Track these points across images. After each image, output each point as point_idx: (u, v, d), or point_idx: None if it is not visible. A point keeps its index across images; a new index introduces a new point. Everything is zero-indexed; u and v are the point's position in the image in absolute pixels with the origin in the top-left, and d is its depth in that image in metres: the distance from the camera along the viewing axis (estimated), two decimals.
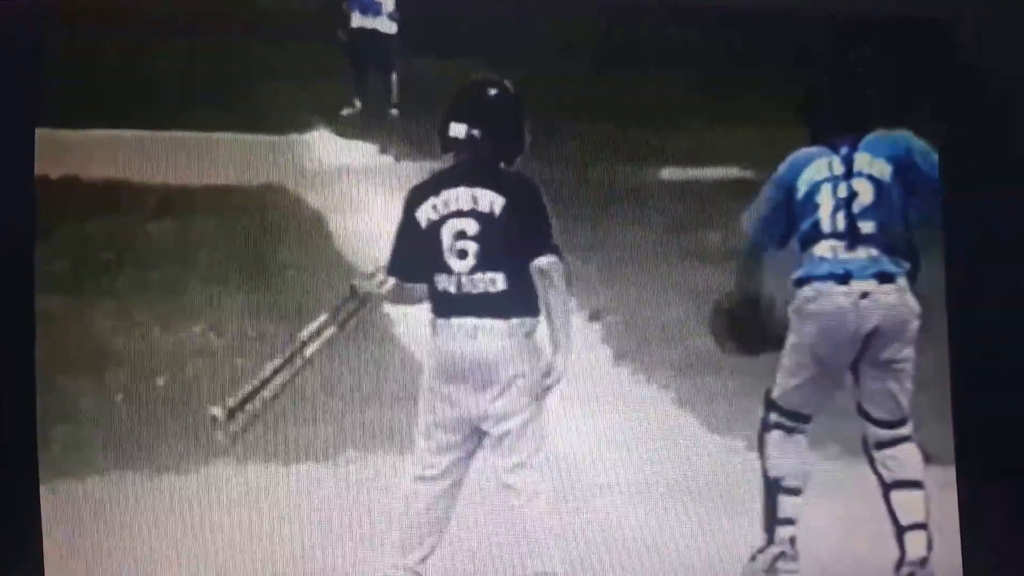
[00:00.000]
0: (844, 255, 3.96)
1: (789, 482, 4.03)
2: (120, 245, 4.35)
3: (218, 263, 4.32)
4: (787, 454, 4.03)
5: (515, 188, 3.82)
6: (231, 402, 4.03)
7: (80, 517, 3.99)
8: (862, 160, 4.00)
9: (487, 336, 3.76)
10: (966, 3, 4.29)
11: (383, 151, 4.70)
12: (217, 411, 4.01)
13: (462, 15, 4.49)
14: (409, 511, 3.85)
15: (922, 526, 3.96)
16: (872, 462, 4.02)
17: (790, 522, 4.04)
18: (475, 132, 3.85)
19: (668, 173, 4.61)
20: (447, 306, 3.82)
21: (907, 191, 4.02)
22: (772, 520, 4.03)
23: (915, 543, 3.95)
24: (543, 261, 3.74)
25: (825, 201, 3.98)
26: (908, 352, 3.99)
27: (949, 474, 4.13)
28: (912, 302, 3.98)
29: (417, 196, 3.87)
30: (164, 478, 4.09)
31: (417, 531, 3.84)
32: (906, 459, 4.00)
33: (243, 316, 4.28)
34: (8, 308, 3.99)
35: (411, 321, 4.09)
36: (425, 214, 3.84)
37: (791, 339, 4.00)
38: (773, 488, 4.03)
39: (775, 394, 4.04)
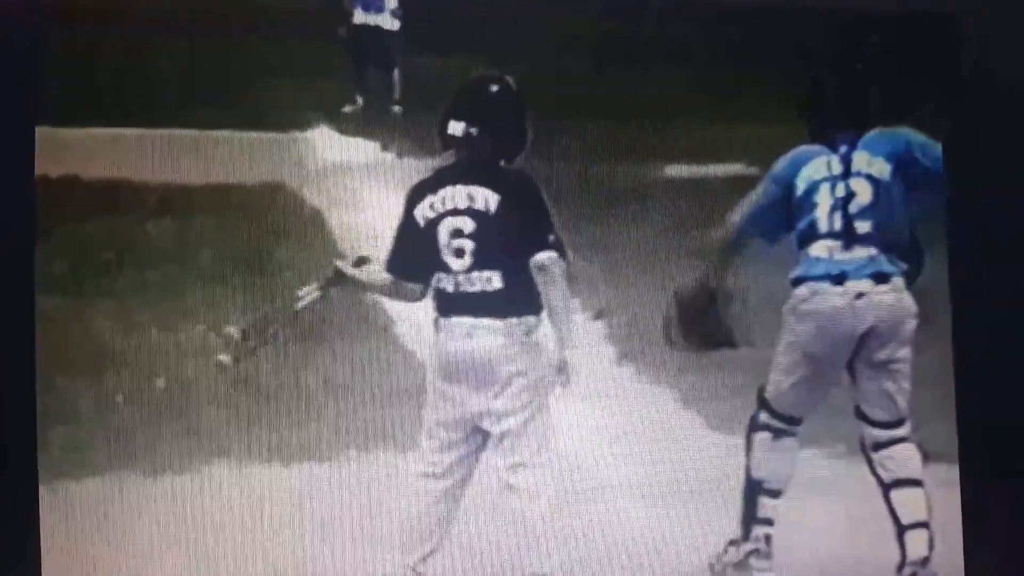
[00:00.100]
0: (840, 255, 3.95)
1: (771, 484, 4.04)
2: (120, 245, 4.36)
3: (219, 263, 4.33)
4: (774, 457, 4.03)
5: (512, 185, 3.82)
6: (244, 323, 4.02)
7: (79, 518, 4.00)
8: (861, 159, 3.99)
9: (485, 335, 3.77)
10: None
11: (385, 148, 4.71)
12: (234, 330, 4.00)
13: (464, 12, 4.50)
14: (412, 509, 3.86)
15: (923, 524, 3.96)
16: (870, 463, 4.02)
17: (768, 522, 4.05)
18: (473, 130, 3.85)
19: (670, 171, 4.62)
20: (446, 305, 3.83)
21: (909, 187, 4.02)
22: (750, 519, 4.04)
23: (916, 542, 3.95)
24: (541, 257, 3.74)
25: (823, 200, 3.97)
26: (905, 352, 3.98)
27: (952, 473, 4.14)
28: (909, 302, 3.98)
29: (416, 194, 3.88)
30: (163, 479, 4.11)
31: (419, 529, 3.86)
32: (904, 458, 3.99)
33: (243, 316, 4.29)
34: (8, 308, 4.00)
35: (413, 320, 4.11)
36: (423, 212, 3.84)
37: (785, 338, 4.00)
38: (755, 488, 4.04)
39: (768, 393, 4.04)
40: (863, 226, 3.96)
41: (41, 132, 4.13)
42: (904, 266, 3.98)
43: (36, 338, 4.00)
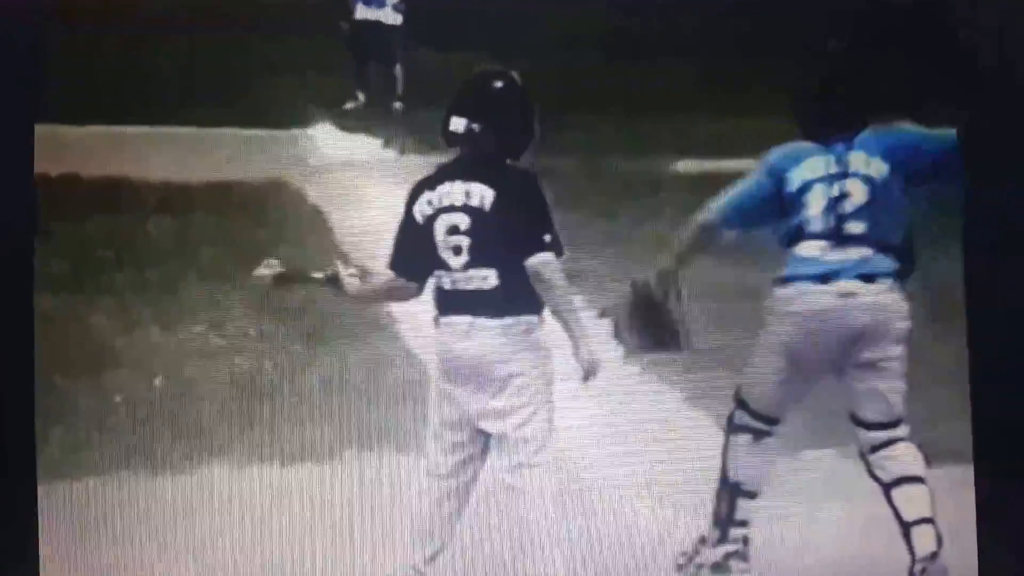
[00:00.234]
0: (830, 255, 3.92)
1: (749, 486, 4.02)
2: (120, 243, 4.40)
3: (219, 261, 4.36)
4: (753, 460, 4.02)
5: (509, 181, 3.80)
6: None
7: (78, 518, 4.03)
8: (858, 159, 3.96)
9: (481, 334, 3.76)
10: None
11: (387, 145, 4.73)
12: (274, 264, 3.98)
13: (467, 6, 4.52)
14: (416, 509, 3.86)
15: (928, 520, 3.92)
16: (869, 467, 3.98)
17: (744, 524, 4.03)
18: (475, 126, 3.83)
19: (680, 166, 4.63)
20: (445, 303, 3.83)
21: (916, 182, 3.99)
22: (727, 521, 4.03)
23: (923, 539, 3.91)
24: (534, 261, 3.73)
25: (817, 201, 3.94)
26: (895, 351, 3.94)
27: (966, 474, 4.11)
28: (899, 302, 3.94)
29: (416, 191, 3.88)
30: (162, 479, 4.13)
31: (424, 530, 3.86)
32: (902, 456, 3.95)
33: (244, 315, 4.31)
34: (7, 307, 4.03)
35: (415, 319, 4.12)
36: (421, 209, 3.84)
37: (767, 338, 3.98)
38: (732, 490, 4.02)
39: (746, 394, 4.03)
40: (856, 227, 3.93)
41: (41, 130, 4.15)
42: (896, 265, 3.95)
43: (35, 337, 4.03)
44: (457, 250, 3.77)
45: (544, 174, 3.92)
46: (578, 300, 4.08)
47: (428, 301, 3.91)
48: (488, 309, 3.75)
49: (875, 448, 3.95)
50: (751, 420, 4.01)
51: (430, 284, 3.85)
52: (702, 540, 4.06)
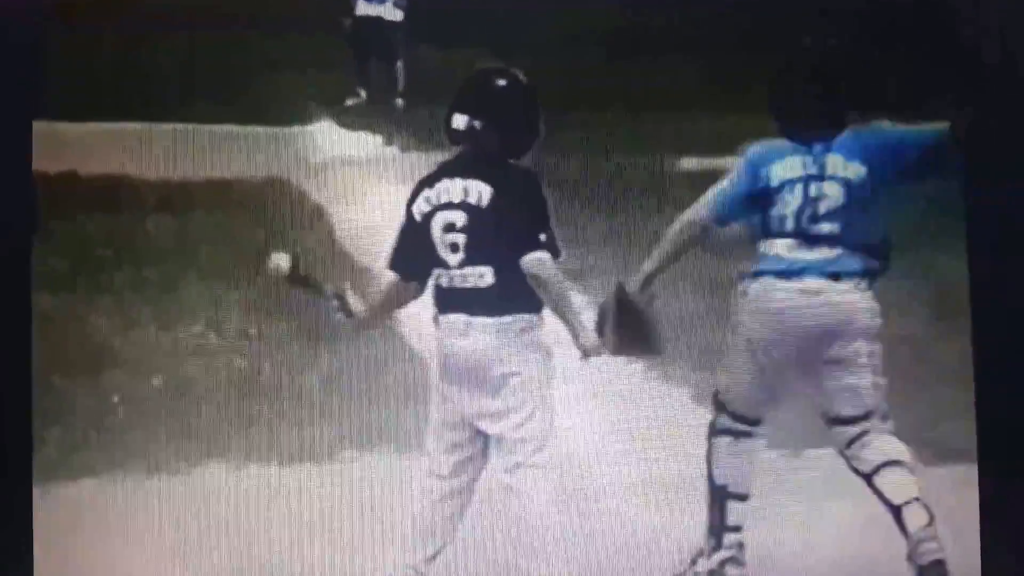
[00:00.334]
0: (800, 253, 3.94)
1: (737, 488, 4.03)
2: (119, 242, 4.41)
3: (218, 260, 4.36)
4: (736, 461, 4.03)
5: (508, 179, 3.80)
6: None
7: (74, 519, 4.04)
8: (835, 162, 3.96)
9: (478, 333, 3.76)
10: None
11: (388, 142, 4.73)
12: (283, 260, 3.98)
13: (469, 3, 4.53)
14: (417, 509, 3.86)
15: (916, 499, 3.93)
16: (849, 462, 4.00)
17: (737, 529, 4.04)
18: (476, 124, 3.83)
19: (684, 164, 4.62)
20: (443, 301, 3.83)
21: (899, 181, 4.00)
22: (720, 526, 4.04)
23: (915, 517, 3.93)
24: (528, 259, 3.72)
25: (793, 200, 3.95)
26: (864, 347, 3.95)
27: (970, 473, 4.13)
28: (869, 300, 3.95)
29: (417, 189, 3.88)
30: (160, 479, 4.14)
31: (423, 530, 3.86)
32: (880, 444, 3.96)
33: (243, 315, 4.32)
34: (5, 306, 4.04)
35: (415, 318, 4.11)
36: (419, 207, 3.84)
37: (737, 337, 3.99)
38: (720, 494, 4.04)
39: (724, 396, 4.04)
40: (829, 227, 3.94)
41: (39, 127, 4.16)
42: (866, 265, 3.96)
43: (33, 337, 4.04)
44: (454, 248, 3.77)
45: (546, 172, 3.92)
46: (581, 299, 4.09)
47: (429, 300, 3.91)
48: (485, 307, 3.75)
49: (850, 442, 3.97)
50: (732, 423, 4.04)
51: (430, 283, 3.86)
52: (699, 553, 4.08)
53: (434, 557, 3.89)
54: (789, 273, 3.93)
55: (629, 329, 3.99)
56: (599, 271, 4.41)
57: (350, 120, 4.70)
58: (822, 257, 3.93)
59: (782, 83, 4.09)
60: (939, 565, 3.88)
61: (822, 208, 3.94)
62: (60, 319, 4.23)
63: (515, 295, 3.76)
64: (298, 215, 4.43)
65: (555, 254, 3.77)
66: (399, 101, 4.95)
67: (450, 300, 3.80)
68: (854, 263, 3.94)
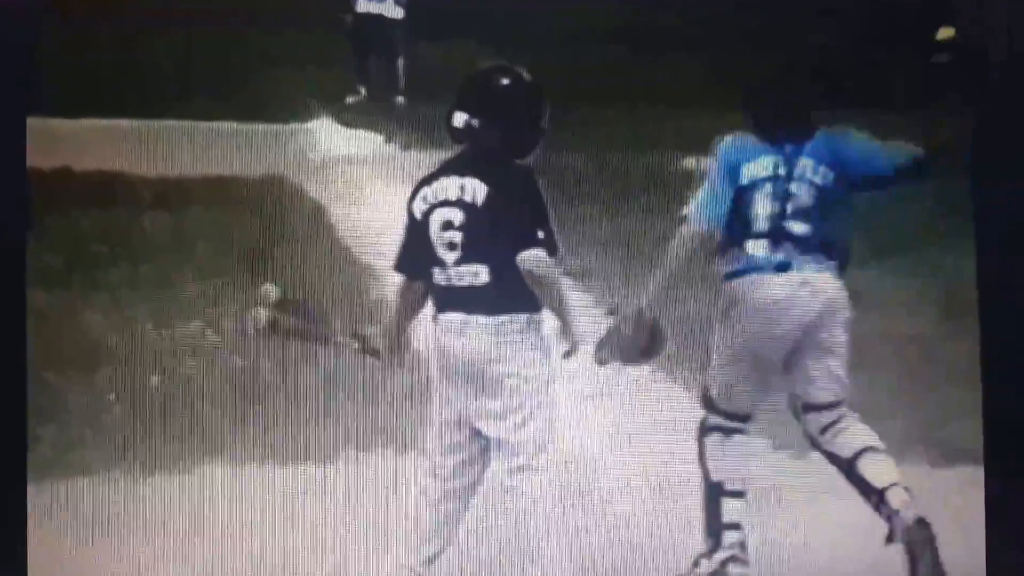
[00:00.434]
0: (776, 252, 3.98)
1: (732, 485, 4.05)
2: (114, 239, 4.40)
3: (216, 258, 4.35)
4: (729, 458, 4.05)
5: (504, 177, 3.77)
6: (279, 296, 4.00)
7: (68, 518, 4.01)
8: (805, 165, 4.01)
9: (475, 332, 3.74)
10: None
11: (389, 140, 4.73)
12: (272, 289, 3.96)
13: (470, 1, 4.53)
14: (417, 509, 3.85)
15: (897, 484, 3.95)
16: (824, 450, 4.02)
17: (736, 527, 4.06)
18: (475, 122, 3.83)
19: (689, 162, 4.62)
20: (441, 300, 3.81)
21: (855, 188, 4.04)
22: (718, 525, 4.06)
23: (897, 497, 3.95)
24: (523, 256, 3.69)
25: (763, 199, 4.00)
26: (843, 336, 4.01)
27: (976, 474, 4.13)
28: (843, 292, 4.01)
29: (416, 186, 3.87)
30: (157, 479, 4.11)
31: (423, 530, 3.85)
32: (855, 430, 4.00)
33: (241, 312, 4.29)
34: None
35: (418, 316, 4.10)
36: (418, 204, 3.83)
37: (725, 334, 4.02)
38: (716, 492, 4.05)
39: (713, 393, 4.06)
40: (798, 227, 4.00)
41: (33, 123, 4.14)
42: (839, 260, 4.01)
43: (27, 333, 4.02)
44: (451, 246, 3.76)
45: (548, 170, 3.92)
46: (582, 297, 4.09)
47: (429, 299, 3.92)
48: (481, 306, 3.73)
49: (824, 429, 4.00)
50: (722, 420, 4.06)
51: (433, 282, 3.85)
52: (701, 555, 4.08)
53: (434, 558, 3.87)
54: (774, 268, 3.97)
55: (641, 342, 4.02)
56: (602, 271, 4.40)
57: (350, 118, 4.70)
58: (797, 254, 3.97)
59: (755, 83, 4.13)
60: (923, 522, 3.88)
61: (790, 208, 3.98)
62: (55, 316, 4.21)
63: (512, 294, 3.73)
64: (297, 213, 4.41)
65: (552, 251, 3.75)
66: (399, 99, 4.94)
67: (448, 299, 3.79)
68: (826, 259, 3.98)
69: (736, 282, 4.01)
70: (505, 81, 3.87)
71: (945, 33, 4.33)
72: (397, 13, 4.92)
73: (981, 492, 4.11)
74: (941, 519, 3.92)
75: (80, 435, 4.17)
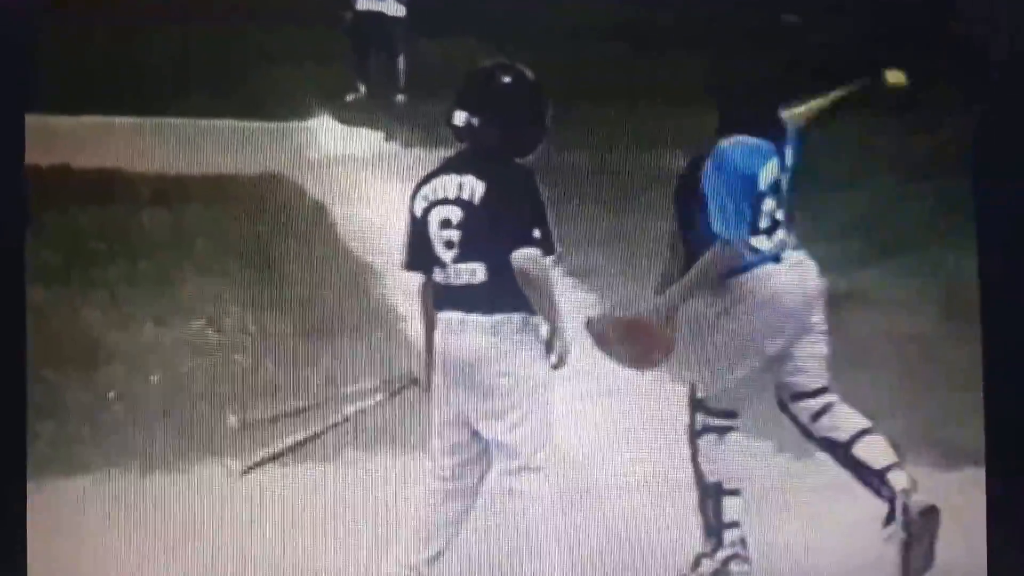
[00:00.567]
0: (771, 241, 4.03)
1: (730, 484, 4.08)
2: (113, 236, 4.40)
3: (216, 256, 4.36)
4: (724, 456, 4.07)
5: (502, 175, 3.79)
6: (251, 415, 4.05)
7: (68, 516, 4.02)
8: (788, 154, 4.07)
9: (472, 331, 3.75)
10: None
11: (389, 138, 4.73)
12: (233, 420, 4.04)
13: None
14: (418, 509, 3.86)
15: (898, 464, 3.99)
16: (818, 437, 4.05)
17: (736, 525, 4.08)
18: (474, 120, 3.84)
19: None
20: (440, 299, 3.83)
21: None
22: (718, 525, 4.08)
23: (898, 479, 3.98)
24: (516, 255, 3.70)
25: (771, 198, 4.04)
26: (823, 319, 4.05)
27: (977, 475, 4.16)
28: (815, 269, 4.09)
29: (418, 184, 3.89)
30: (156, 477, 4.13)
31: (425, 530, 3.85)
32: (847, 414, 4.03)
33: (242, 311, 4.32)
34: None
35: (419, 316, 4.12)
36: (418, 202, 3.85)
37: (733, 331, 4.04)
38: (715, 492, 4.08)
39: (703, 393, 4.09)
40: (781, 213, 4.06)
41: (31, 120, 4.15)
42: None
43: (27, 331, 4.02)
44: (449, 244, 3.77)
45: (549, 169, 3.93)
46: (588, 297, 4.11)
47: None
48: (478, 305, 3.74)
49: (816, 415, 4.02)
50: (713, 419, 4.07)
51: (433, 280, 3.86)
52: (701, 555, 4.10)
53: (435, 558, 3.88)
54: (772, 258, 4.00)
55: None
56: (604, 270, 4.43)
57: (350, 116, 4.72)
58: (781, 240, 4.01)
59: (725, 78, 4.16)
60: (933, 510, 3.92)
61: (783, 198, 4.03)
62: (54, 313, 4.22)
63: (509, 293, 3.73)
64: (297, 211, 4.43)
65: (548, 252, 3.77)
66: (400, 97, 4.96)
67: (446, 297, 3.80)
68: (796, 241, 4.04)
69: (741, 279, 4.04)
70: (505, 79, 3.87)
71: (895, 78, 4.35)
72: (398, 11, 4.94)
73: (982, 493, 4.14)
74: (942, 520, 3.93)
75: (79, 433, 4.18)
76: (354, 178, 4.53)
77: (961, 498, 4.12)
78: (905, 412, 4.38)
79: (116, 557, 3.99)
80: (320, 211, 4.51)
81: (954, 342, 4.22)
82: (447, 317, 3.79)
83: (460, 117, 3.83)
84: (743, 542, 4.08)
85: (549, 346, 3.77)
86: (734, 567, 4.06)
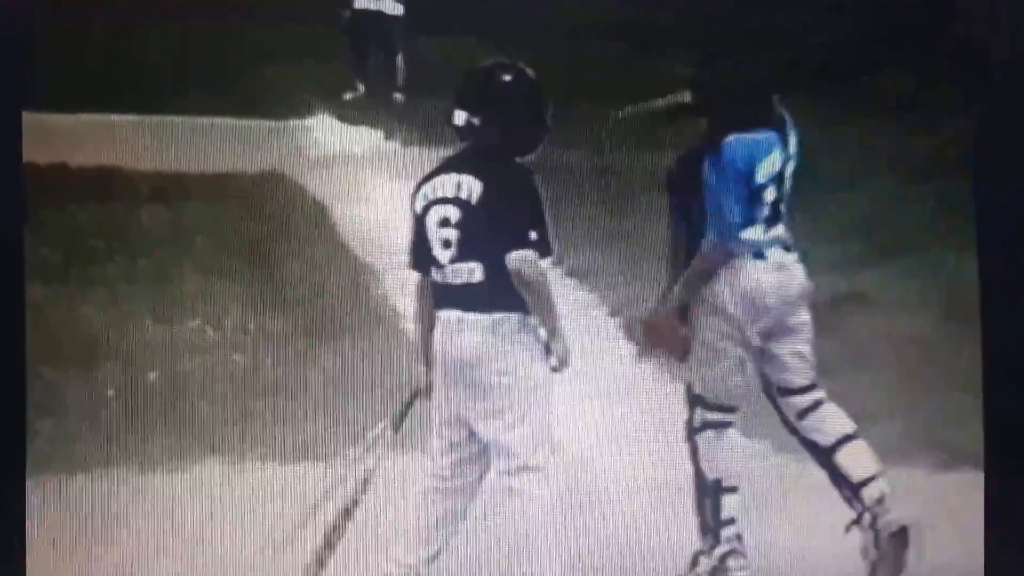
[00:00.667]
0: (768, 232, 4.03)
1: (729, 481, 4.10)
2: (112, 234, 4.41)
3: (215, 254, 4.37)
4: (724, 453, 4.09)
5: (501, 175, 3.79)
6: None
7: (67, 514, 4.03)
8: (792, 143, 4.08)
9: (470, 330, 3.76)
10: None
11: (389, 137, 4.75)
12: None
13: None
14: (417, 509, 3.87)
15: (875, 477, 4.02)
16: (802, 434, 4.07)
17: (732, 521, 4.11)
18: (475, 120, 3.85)
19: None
20: (439, 298, 3.85)
21: None
22: (716, 523, 4.11)
23: (872, 491, 4.01)
24: (512, 256, 3.70)
25: (773, 190, 4.04)
26: (807, 316, 4.06)
27: (975, 476, 4.17)
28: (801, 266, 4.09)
29: (418, 184, 3.90)
30: (155, 476, 4.15)
31: (425, 530, 3.86)
32: (834, 416, 4.04)
33: (242, 310, 4.33)
34: None
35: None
36: (418, 201, 3.86)
37: (718, 324, 4.05)
38: (715, 490, 4.09)
39: (700, 388, 4.10)
40: (782, 204, 4.06)
41: (29, 118, 4.16)
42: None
43: (26, 328, 4.04)
44: (447, 243, 3.77)
45: (548, 168, 3.94)
46: (588, 297, 4.12)
47: None
48: (476, 304, 3.74)
49: (803, 413, 4.04)
50: (711, 415, 4.08)
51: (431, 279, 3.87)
52: (698, 553, 4.12)
53: (434, 558, 3.89)
54: (760, 252, 4.01)
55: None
56: (604, 271, 4.44)
57: (349, 114, 4.72)
58: (779, 232, 4.02)
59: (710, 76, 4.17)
60: (904, 532, 3.92)
61: (786, 189, 4.04)
62: (53, 311, 4.24)
63: (507, 292, 3.73)
64: (297, 210, 4.44)
65: (544, 253, 3.78)
66: (399, 95, 4.97)
67: (445, 297, 3.81)
68: (790, 237, 4.05)
69: (733, 268, 4.03)
70: (505, 78, 3.87)
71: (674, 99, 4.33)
72: (397, 9, 4.95)
73: (981, 495, 4.15)
74: (940, 522, 3.97)
75: (78, 431, 4.19)
76: (353, 177, 4.54)
77: (959, 500, 4.14)
78: (904, 413, 4.41)
79: (115, 555, 4.00)
80: (320, 210, 4.53)
81: (954, 344, 4.23)
82: (446, 316, 3.80)
83: (460, 117, 3.84)
84: (739, 538, 4.10)
85: (548, 349, 3.81)
86: (732, 563, 4.08)
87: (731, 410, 4.07)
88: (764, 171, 3.99)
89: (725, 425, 4.07)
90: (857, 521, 3.97)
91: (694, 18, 4.69)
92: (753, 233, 4.00)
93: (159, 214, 4.45)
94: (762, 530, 4.08)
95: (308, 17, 4.72)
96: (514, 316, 3.75)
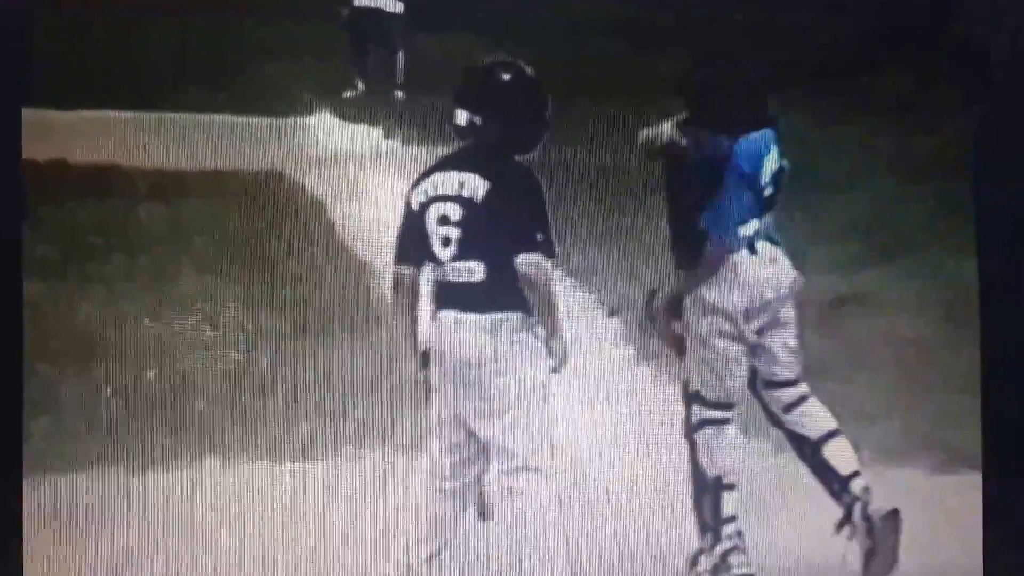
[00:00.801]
0: (752, 229, 4.05)
1: (729, 478, 4.10)
2: (110, 231, 4.41)
3: (214, 252, 4.37)
4: (724, 450, 4.10)
5: (505, 174, 3.78)
6: None
7: (63, 512, 4.03)
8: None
9: (469, 330, 3.75)
10: None
11: (388, 135, 4.74)
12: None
13: None
14: (415, 508, 3.87)
15: (859, 472, 4.01)
16: (789, 430, 4.07)
17: (732, 519, 4.11)
18: (476, 119, 3.84)
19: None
20: (437, 297, 3.83)
21: None
22: (717, 520, 4.11)
23: (857, 485, 4.03)
24: (522, 260, 3.70)
25: (770, 187, 4.05)
26: (793, 310, 4.06)
27: (973, 477, 4.17)
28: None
29: (417, 179, 3.89)
30: (152, 474, 4.15)
31: (422, 529, 3.86)
32: (818, 412, 4.05)
33: (240, 308, 4.33)
34: None
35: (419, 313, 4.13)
36: (416, 197, 3.85)
37: (712, 324, 4.06)
38: (715, 487, 4.10)
39: (697, 386, 4.10)
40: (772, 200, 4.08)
41: (28, 114, 4.15)
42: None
43: (23, 326, 4.03)
44: (446, 241, 3.76)
45: (548, 166, 3.94)
46: (588, 298, 4.11)
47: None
48: (476, 303, 3.73)
49: (789, 407, 4.05)
50: (709, 412, 4.09)
51: (429, 278, 3.87)
52: (699, 552, 4.13)
53: (433, 557, 3.90)
54: (752, 246, 4.02)
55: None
56: (603, 270, 4.44)
57: (349, 112, 4.72)
58: (764, 225, 4.04)
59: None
60: (895, 514, 3.93)
61: (781, 183, 4.04)
62: (50, 308, 4.23)
63: (507, 292, 3.73)
64: (296, 207, 4.44)
65: (549, 255, 3.78)
66: (398, 93, 4.97)
67: (443, 296, 3.80)
68: (774, 229, 4.05)
69: (729, 263, 4.06)
70: (505, 76, 3.85)
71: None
72: (396, 7, 4.95)
73: (979, 496, 4.15)
74: (938, 522, 3.99)
75: (75, 429, 4.19)
76: (353, 175, 4.54)
77: (958, 501, 4.14)
78: (903, 414, 4.41)
79: (112, 553, 3.99)
80: (319, 208, 4.52)
81: (953, 345, 4.23)
82: (444, 315, 3.78)
83: (462, 116, 3.82)
84: (740, 534, 4.10)
85: (549, 349, 3.81)
86: (733, 559, 4.08)
87: (729, 407, 4.07)
88: (767, 170, 4.01)
89: (723, 422, 4.07)
90: (848, 515, 3.97)
91: (694, 16, 4.68)
92: (747, 228, 4.01)
93: (158, 211, 4.44)
94: (762, 530, 4.06)
95: (307, 14, 4.72)
96: (514, 316, 3.74)
